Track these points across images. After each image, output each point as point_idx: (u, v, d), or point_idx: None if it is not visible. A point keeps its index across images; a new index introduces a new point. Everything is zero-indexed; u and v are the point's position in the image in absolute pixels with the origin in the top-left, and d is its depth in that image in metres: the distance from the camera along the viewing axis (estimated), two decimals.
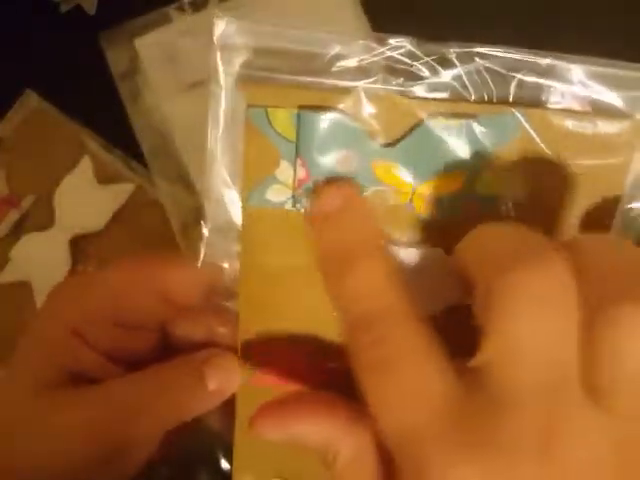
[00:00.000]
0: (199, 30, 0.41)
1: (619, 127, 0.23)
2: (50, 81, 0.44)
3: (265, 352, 0.25)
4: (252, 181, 0.24)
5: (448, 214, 0.24)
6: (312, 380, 0.25)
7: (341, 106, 0.23)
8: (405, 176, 0.24)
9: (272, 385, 0.25)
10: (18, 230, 0.44)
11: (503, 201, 0.24)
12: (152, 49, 0.41)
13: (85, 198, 0.44)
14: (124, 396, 0.24)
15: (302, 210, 0.24)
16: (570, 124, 0.23)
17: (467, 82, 0.23)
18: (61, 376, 0.25)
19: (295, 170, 0.24)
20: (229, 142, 0.24)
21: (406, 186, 0.24)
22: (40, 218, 0.44)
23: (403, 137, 0.23)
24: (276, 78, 0.24)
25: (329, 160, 0.24)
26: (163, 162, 0.42)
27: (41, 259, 0.43)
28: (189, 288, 0.26)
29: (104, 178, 0.44)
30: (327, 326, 0.25)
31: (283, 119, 0.24)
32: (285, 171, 0.24)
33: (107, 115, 0.43)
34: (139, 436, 0.24)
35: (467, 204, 0.24)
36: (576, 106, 0.23)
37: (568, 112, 0.23)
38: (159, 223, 0.43)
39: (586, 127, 0.23)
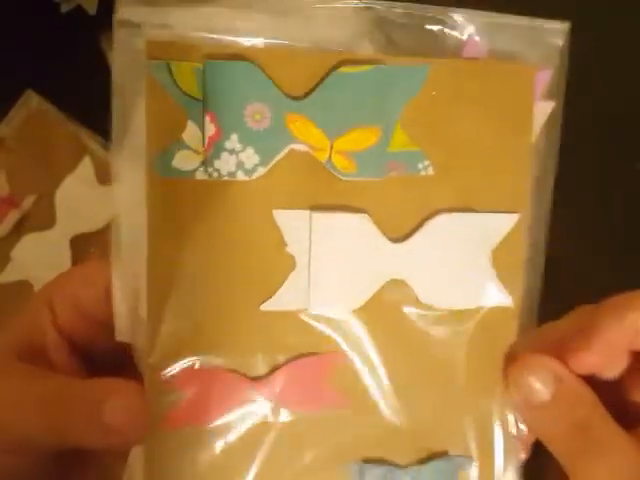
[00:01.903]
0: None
1: (518, 70, 0.24)
2: (50, 81, 0.44)
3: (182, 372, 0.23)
4: (157, 147, 0.22)
5: (370, 175, 0.23)
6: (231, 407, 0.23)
7: (250, 60, 0.22)
8: (320, 130, 0.23)
9: (185, 426, 0.23)
10: (19, 230, 0.44)
11: (419, 159, 0.24)
12: None
13: (86, 198, 0.44)
14: (29, 393, 0.23)
15: (215, 175, 0.22)
16: (476, 73, 0.24)
17: (371, 36, 0.23)
18: (24, 347, 0.25)
19: (204, 127, 0.22)
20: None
21: (323, 141, 0.23)
22: (41, 218, 0.44)
23: (314, 88, 0.22)
24: (181, 35, 0.22)
25: (241, 114, 0.22)
26: None
27: (42, 259, 0.43)
28: None
29: (105, 178, 0.44)
30: (244, 308, 0.23)
31: (187, 74, 0.21)
32: (193, 134, 0.22)
33: (108, 115, 0.43)
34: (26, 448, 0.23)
35: (387, 164, 0.23)
36: (477, 56, 0.24)
37: (473, 61, 0.24)
38: None
39: (485, 71, 0.24)
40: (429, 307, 0.24)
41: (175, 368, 0.23)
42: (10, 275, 0.44)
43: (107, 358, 0.26)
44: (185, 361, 0.23)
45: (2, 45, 0.45)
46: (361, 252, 0.23)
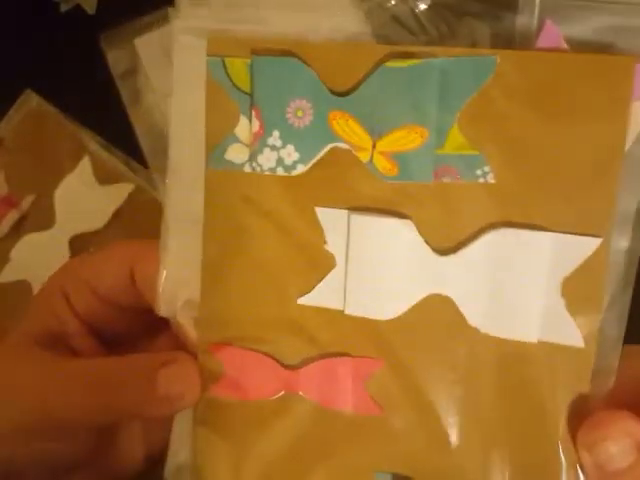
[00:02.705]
0: None
1: (611, 62, 0.20)
2: (50, 81, 0.44)
3: (228, 355, 0.24)
4: (213, 140, 0.23)
5: (415, 179, 0.22)
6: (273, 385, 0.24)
7: (297, 55, 0.22)
8: (363, 129, 0.22)
9: (230, 396, 0.24)
10: (18, 230, 0.44)
11: (478, 164, 0.21)
12: (152, 49, 0.41)
13: (85, 198, 0.43)
14: (72, 377, 0.24)
15: (258, 170, 0.23)
16: (554, 66, 0.20)
17: (426, 23, 0.21)
18: (44, 336, 0.25)
19: (251, 123, 0.22)
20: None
21: (365, 141, 0.22)
22: (40, 218, 0.44)
23: (360, 84, 0.21)
24: (234, 32, 0.22)
25: (283, 110, 0.22)
26: (163, 162, 0.42)
27: (41, 259, 0.43)
28: (151, 274, 0.25)
29: (104, 178, 0.44)
30: (289, 303, 0.23)
31: (241, 70, 0.22)
32: (244, 128, 0.23)
33: (107, 115, 0.43)
34: (80, 422, 0.24)
35: (438, 168, 0.21)
36: (554, 45, 0.20)
37: (551, 52, 0.20)
38: (158, 223, 0.43)
39: (569, 66, 0.20)
40: (477, 331, 0.22)
41: (218, 345, 0.24)
42: (9, 275, 0.44)
43: (124, 339, 0.27)
44: (227, 340, 0.24)
45: (2, 45, 0.45)
46: (402, 260, 0.22)
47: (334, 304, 0.23)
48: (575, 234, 0.21)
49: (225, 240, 0.24)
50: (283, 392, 0.24)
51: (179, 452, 0.25)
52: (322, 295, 0.23)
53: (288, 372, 0.23)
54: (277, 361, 0.24)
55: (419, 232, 0.22)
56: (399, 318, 0.23)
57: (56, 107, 0.44)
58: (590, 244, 0.21)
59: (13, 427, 0.24)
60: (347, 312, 0.23)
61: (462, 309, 0.22)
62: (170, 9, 0.23)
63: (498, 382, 0.22)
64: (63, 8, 0.45)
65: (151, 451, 0.27)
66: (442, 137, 0.21)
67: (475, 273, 0.22)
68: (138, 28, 0.42)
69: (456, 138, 0.21)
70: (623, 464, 0.20)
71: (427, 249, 0.22)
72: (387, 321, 0.23)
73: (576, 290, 0.21)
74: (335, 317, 0.23)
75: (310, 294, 0.23)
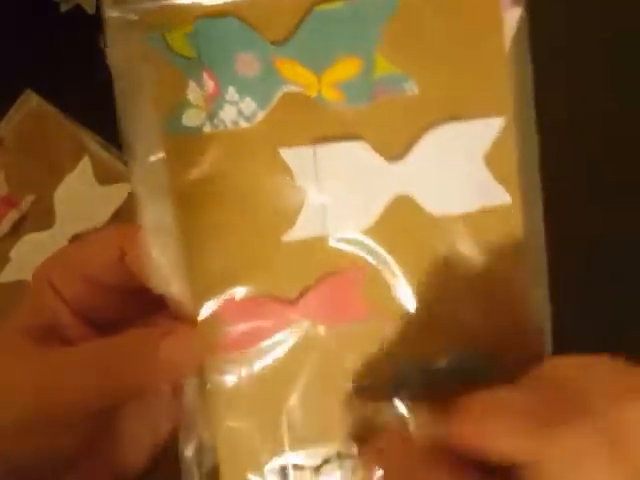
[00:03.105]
0: None
1: None
2: (50, 81, 0.44)
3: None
4: (166, 110, 0.24)
5: (360, 102, 0.25)
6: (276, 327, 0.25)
7: (234, 14, 0.24)
8: (306, 68, 0.24)
9: (239, 349, 0.25)
10: (18, 230, 0.44)
11: (404, 79, 0.25)
12: None
13: (85, 198, 0.44)
14: (71, 362, 0.24)
15: (221, 127, 0.24)
16: None
17: None
18: (37, 330, 0.25)
19: (204, 85, 0.24)
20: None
21: (310, 78, 0.24)
22: (40, 218, 0.44)
23: (295, 31, 0.24)
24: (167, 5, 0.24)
25: (233, 66, 0.24)
26: None
27: (41, 259, 0.43)
28: (143, 254, 0.25)
29: (104, 178, 0.44)
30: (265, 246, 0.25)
31: (180, 39, 0.24)
32: (195, 92, 0.24)
33: (107, 115, 0.43)
34: (91, 404, 0.24)
35: (374, 89, 0.25)
36: None
37: None
38: None
39: None
40: (433, 215, 0.26)
41: (218, 304, 0.25)
42: (9, 275, 0.44)
43: (118, 324, 0.27)
44: (225, 296, 0.25)
45: (2, 45, 0.45)
46: (364, 176, 0.25)
47: (316, 232, 0.25)
48: (486, 117, 0.26)
49: (198, 202, 0.25)
50: (287, 325, 0.25)
51: (196, 432, 0.25)
52: (303, 228, 0.25)
53: (291, 307, 0.25)
54: (277, 300, 0.25)
55: (372, 147, 0.25)
56: (375, 225, 0.25)
57: (56, 107, 0.44)
58: (497, 123, 0.26)
59: (12, 423, 0.24)
60: (330, 236, 0.25)
61: (419, 201, 0.26)
62: None
63: (453, 245, 0.26)
64: (63, 8, 0.45)
65: (155, 441, 0.27)
66: (371, 63, 0.25)
67: (422, 170, 0.25)
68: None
69: (382, 62, 0.25)
70: None
71: (381, 160, 0.25)
72: (364, 232, 0.26)
73: (497, 162, 0.26)
74: (320, 243, 0.25)
75: (292, 230, 0.25)
